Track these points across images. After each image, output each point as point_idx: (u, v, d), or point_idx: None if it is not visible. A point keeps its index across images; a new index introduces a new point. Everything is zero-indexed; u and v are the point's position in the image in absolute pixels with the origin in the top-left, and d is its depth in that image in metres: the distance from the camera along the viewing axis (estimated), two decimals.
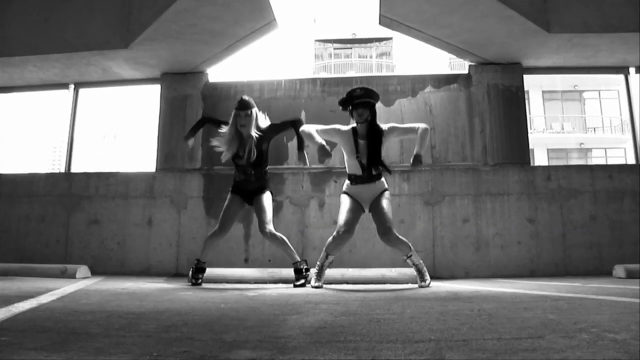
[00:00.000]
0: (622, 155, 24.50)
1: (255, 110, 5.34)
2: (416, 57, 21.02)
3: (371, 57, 25.50)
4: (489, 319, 2.32)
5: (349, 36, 25.37)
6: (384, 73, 23.23)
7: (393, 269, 5.92)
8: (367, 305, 3.05)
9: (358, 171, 4.86)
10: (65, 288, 4.42)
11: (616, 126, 24.87)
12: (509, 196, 6.86)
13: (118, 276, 6.40)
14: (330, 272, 5.88)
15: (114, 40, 6.91)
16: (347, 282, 5.66)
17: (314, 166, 6.56)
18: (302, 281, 5.14)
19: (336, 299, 3.58)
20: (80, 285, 4.86)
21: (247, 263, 6.71)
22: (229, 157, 5.36)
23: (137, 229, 7.14)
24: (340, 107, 4.92)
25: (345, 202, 4.90)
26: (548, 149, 24.00)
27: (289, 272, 5.88)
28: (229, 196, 5.41)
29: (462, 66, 22.18)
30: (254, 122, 5.29)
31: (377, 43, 25.32)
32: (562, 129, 24.34)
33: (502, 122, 7.16)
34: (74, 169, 7.95)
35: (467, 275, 6.67)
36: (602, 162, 24.62)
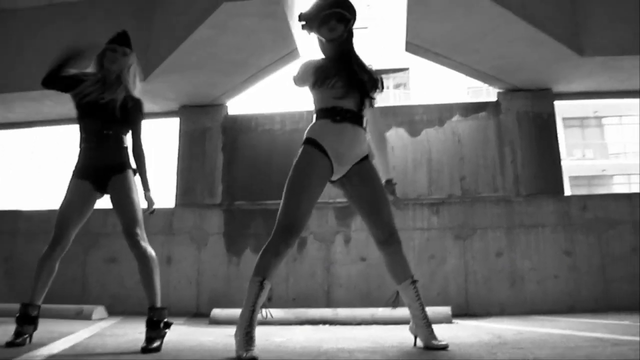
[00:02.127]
0: None
1: (135, 58, 3.85)
2: (433, 87, 20.89)
3: (388, 88, 25.42)
4: None
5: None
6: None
7: (431, 308, 5.60)
8: (408, 353, 2.77)
9: (347, 104, 3.09)
10: (80, 333, 4.22)
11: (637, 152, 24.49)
12: (543, 228, 6.55)
13: (137, 316, 6.14)
14: (358, 312, 5.60)
15: None
16: (377, 323, 5.34)
17: (338, 200, 6.33)
18: (157, 343, 3.25)
19: (372, 345, 3.30)
20: (96, 328, 4.66)
21: (270, 302, 6.41)
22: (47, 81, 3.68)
23: None
24: (302, 25, 3.23)
25: (305, 166, 2.99)
26: (569, 177, 23.64)
27: (315, 313, 5.61)
28: (69, 185, 3.66)
29: (480, 95, 22.12)
30: (130, 67, 3.77)
31: (394, 74, 25.26)
32: (583, 155, 23.98)
33: (533, 151, 6.87)
34: None
35: (502, 312, 6.33)
36: (625, 188, 24.20)
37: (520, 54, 6.29)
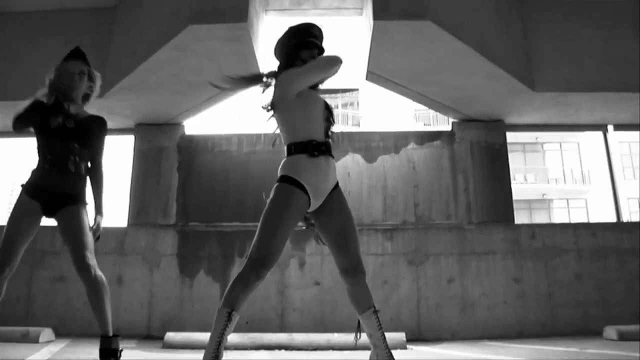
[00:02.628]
0: (583, 205, 24.92)
1: (95, 74, 3.80)
2: (382, 108, 21.09)
3: (337, 107, 25.56)
4: None
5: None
6: (350, 124, 23.30)
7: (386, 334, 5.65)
8: None
9: (320, 135, 3.11)
10: (31, 358, 4.07)
11: (576, 177, 25.35)
12: (494, 255, 6.71)
13: (85, 338, 5.99)
14: (314, 337, 5.60)
15: None
16: (333, 349, 5.36)
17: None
18: None
19: None
20: (46, 353, 4.52)
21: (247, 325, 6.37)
22: (20, 127, 3.53)
23: None
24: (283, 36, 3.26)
25: (284, 201, 2.94)
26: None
27: (271, 337, 5.59)
28: (18, 201, 3.53)
29: (427, 118, 22.50)
30: (87, 88, 3.72)
31: (343, 93, 25.40)
32: (525, 180, 24.68)
33: (485, 180, 7.07)
34: None
35: (453, 337, 6.44)
36: (564, 212, 25.00)
37: (477, 87, 6.49)
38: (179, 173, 7.22)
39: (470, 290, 6.62)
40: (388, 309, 6.48)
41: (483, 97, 6.74)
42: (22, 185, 3.57)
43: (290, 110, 3.09)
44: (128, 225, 7.08)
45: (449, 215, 6.99)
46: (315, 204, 3.02)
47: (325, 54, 3.22)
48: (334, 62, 3.07)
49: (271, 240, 2.86)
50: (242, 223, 6.84)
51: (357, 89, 23.90)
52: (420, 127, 21.56)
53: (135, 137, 7.46)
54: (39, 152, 3.60)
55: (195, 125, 7.67)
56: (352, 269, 3.02)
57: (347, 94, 25.45)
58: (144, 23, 6.31)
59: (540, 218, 24.70)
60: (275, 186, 3.00)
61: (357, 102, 23.95)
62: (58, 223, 3.54)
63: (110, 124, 7.19)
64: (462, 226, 6.87)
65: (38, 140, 3.60)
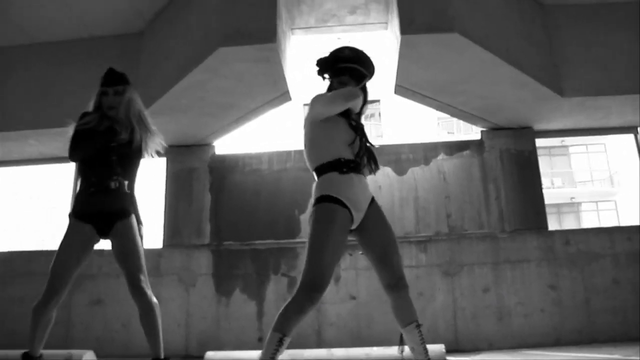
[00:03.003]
0: (612, 207, 24.60)
1: (131, 89, 3.80)
2: (404, 118, 21.06)
3: None
4: None
5: None
6: (374, 136, 23.27)
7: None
8: None
9: (347, 154, 3.09)
10: None
11: (604, 179, 25.08)
12: (528, 263, 6.66)
13: (124, 359, 6.10)
14: (353, 352, 5.62)
15: None
16: None
17: None
18: None
19: None
20: None
21: (261, 343, 6.40)
22: (82, 156, 3.61)
23: None
24: (317, 70, 3.34)
25: (327, 221, 2.92)
26: None
27: (310, 353, 5.61)
28: (69, 228, 3.55)
29: (450, 126, 22.40)
30: (129, 104, 3.71)
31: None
32: (552, 184, 24.46)
33: (516, 187, 7.05)
34: None
35: (490, 346, 6.39)
36: (593, 215, 24.71)
37: (504, 95, 6.48)
38: (210, 193, 7.30)
39: (506, 299, 6.57)
40: (424, 321, 6.35)
41: (510, 105, 6.73)
42: (71, 212, 3.61)
43: (314, 131, 3.15)
44: (163, 246, 7.17)
45: (482, 224, 6.97)
46: (357, 217, 3.01)
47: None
48: (351, 96, 3.08)
49: (320, 262, 2.85)
50: (275, 240, 6.91)
51: (378, 100, 23.92)
52: (449, 137, 21.45)
53: (167, 159, 7.54)
54: (83, 175, 3.66)
55: (226, 145, 7.75)
56: (394, 283, 3.02)
57: (370, 105, 25.46)
58: (172, 48, 6.42)
59: (569, 222, 24.44)
60: (314, 209, 3.01)
61: (379, 114, 23.92)
62: (112, 244, 3.59)
63: None
64: (495, 235, 6.84)
65: (83, 164, 3.66)
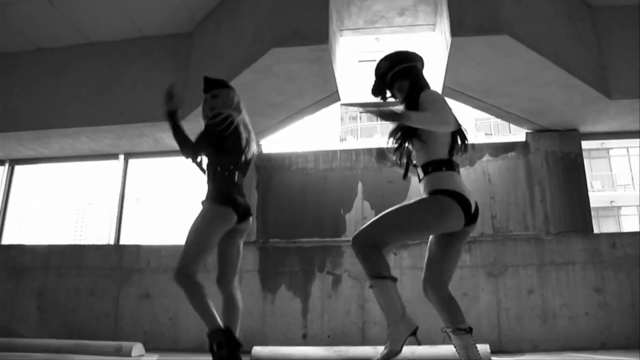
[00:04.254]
0: None
1: (226, 93, 4.16)
2: None
3: None
4: None
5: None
6: None
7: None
8: None
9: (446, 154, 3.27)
10: None
11: None
12: (573, 265, 6.64)
13: (172, 353, 6.22)
14: None
15: None
16: None
17: None
18: None
19: None
20: None
21: (305, 339, 6.51)
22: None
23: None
24: (379, 97, 3.47)
25: (440, 212, 3.11)
26: None
27: (356, 350, 5.69)
28: (218, 215, 3.66)
29: (487, 127, 22.22)
30: (234, 102, 4.10)
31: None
32: (592, 187, 24.07)
33: (562, 190, 7.03)
34: (122, 240, 7.88)
35: (535, 348, 6.38)
36: (634, 219, 24.26)
37: (551, 97, 6.48)
38: (257, 191, 7.42)
39: (550, 301, 6.55)
40: (468, 321, 6.45)
41: (557, 108, 6.72)
42: (227, 201, 3.68)
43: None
44: None
45: (527, 226, 6.97)
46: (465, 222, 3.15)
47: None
48: (444, 124, 3.22)
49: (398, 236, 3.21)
50: (321, 239, 6.99)
51: None
52: (494, 139, 21.29)
53: None
54: (222, 164, 3.84)
55: (272, 143, 7.89)
56: (443, 282, 3.30)
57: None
58: (222, 48, 6.56)
59: (608, 226, 24.03)
60: (429, 197, 3.13)
61: None
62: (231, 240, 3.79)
63: None
64: (540, 237, 6.82)
65: (214, 156, 3.87)
